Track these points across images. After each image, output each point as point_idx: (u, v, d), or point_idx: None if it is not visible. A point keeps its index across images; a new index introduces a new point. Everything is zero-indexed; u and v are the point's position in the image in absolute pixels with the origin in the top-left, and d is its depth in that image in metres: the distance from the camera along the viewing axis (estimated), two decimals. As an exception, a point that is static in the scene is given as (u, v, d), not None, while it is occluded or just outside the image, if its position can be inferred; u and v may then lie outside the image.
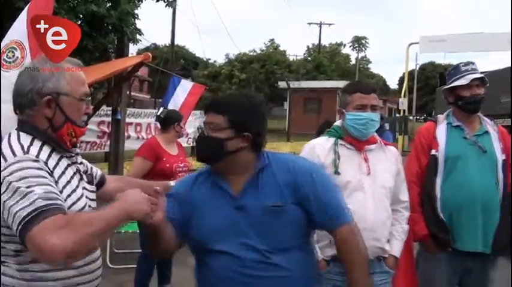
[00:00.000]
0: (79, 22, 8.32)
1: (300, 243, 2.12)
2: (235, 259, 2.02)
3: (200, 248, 2.14)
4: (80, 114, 1.97)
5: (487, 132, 3.22)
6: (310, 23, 48.81)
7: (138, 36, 9.96)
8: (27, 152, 1.77)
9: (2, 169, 1.71)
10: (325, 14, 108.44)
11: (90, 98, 2.07)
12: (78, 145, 2.14)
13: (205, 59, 51.40)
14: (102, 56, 9.93)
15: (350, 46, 39.50)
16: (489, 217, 3.09)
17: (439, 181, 3.18)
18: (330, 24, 48.61)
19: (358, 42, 37.00)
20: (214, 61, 44.50)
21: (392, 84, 62.45)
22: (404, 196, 2.94)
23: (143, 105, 30.95)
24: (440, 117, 3.38)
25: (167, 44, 31.77)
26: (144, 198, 1.82)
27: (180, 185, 2.28)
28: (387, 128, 18.82)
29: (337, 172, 2.74)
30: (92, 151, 11.27)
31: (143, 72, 39.41)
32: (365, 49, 37.62)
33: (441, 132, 3.27)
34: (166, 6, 10.48)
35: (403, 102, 30.12)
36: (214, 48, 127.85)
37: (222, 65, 38.90)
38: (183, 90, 8.50)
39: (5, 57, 4.47)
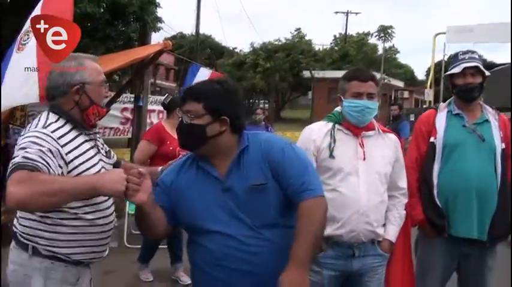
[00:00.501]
0: (101, 11, 8.51)
1: (287, 218, 2.20)
2: (229, 237, 2.12)
3: (193, 230, 2.25)
4: (101, 97, 2.46)
5: (487, 120, 3.24)
6: (337, 12, 48.23)
7: (162, 25, 10.18)
8: (46, 127, 2.24)
9: (25, 132, 2.24)
10: (352, 3, 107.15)
11: (107, 83, 2.54)
12: (101, 130, 2.47)
13: (231, 48, 51.69)
14: (126, 44, 10.15)
15: (375, 36, 38.90)
16: (485, 204, 3.13)
17: (436, 167, 3.24)
18: (356, 13, 48.32)
19: (384, 32, 36.41)
20: (240, 50, 44.63)
21: (420, 75, 61.70)
22: (403, 182, 3.01)
23: (169, 93, 31.26)
24: (442, 105, 3.42)
25: (193, 33, 31.94)
26: (121, 177, 2.01)
27: (166, 173, 2.38)
28: (412, 118, 18.72)
29: (331, 156, 2.81)
30: (116, 137, 11.50)
31: (169, 60, 39.72)
32: (391, 39, 36.99)
33: (441, 120, 3.31)
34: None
35: (428, 93, 29.84)
36: (240, 37, 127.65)
37: (247, 54, 38.87)
38: (201, 78, 8.64)
39: (22, 41, 4.72)
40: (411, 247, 3.33)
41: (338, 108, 3.01)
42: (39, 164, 2.05)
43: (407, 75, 54.03)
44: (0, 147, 6.64)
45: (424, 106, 33.05)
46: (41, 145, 2.13)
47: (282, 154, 2.18)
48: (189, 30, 27.75)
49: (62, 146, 2.21)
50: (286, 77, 32.82)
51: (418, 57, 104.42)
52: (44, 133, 2.19)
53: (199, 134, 2.16)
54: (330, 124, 2.93)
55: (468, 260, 3.27)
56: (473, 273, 3.30)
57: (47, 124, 2.25)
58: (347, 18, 46.73)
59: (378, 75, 36.30)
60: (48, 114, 2.32)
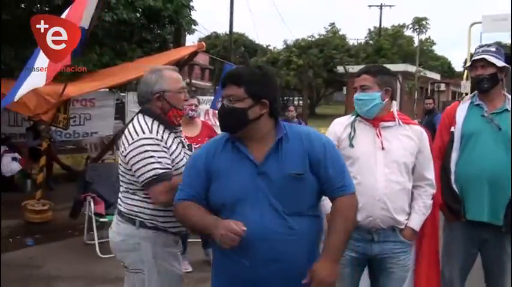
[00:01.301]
0: (137, 16, 8.84)
1: (315, 208, 2.39)
2: (258, 221, 2.22)
3: (222, 211, 2.32)
4: (180, 102, 2.91)
5: (507, 110, 3.32)
6: (370, 6, 47.67)
7: (195, 26, 10.42)
8: (151, 130, 2.75)
9: (135, 139, 2.71)
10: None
11: (186, 90, 3.03)
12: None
13: (264, 46, 51.82)
14: (162, 46, 10.50)
15: (410, 28, 38.30)
16: (497, 191, 3.24)
17: (454, 155, 3.40)
18: (390, 6, 47.62)
19: (419, 24, 35.81)
20: (274, 47, 44.76)
21: (458, 66, 60.54)
22: (429, 173, 3.09)
23: (204, 92, 31.67)
24: (467, 97, 3.56)
25: (227, 33, 32.27)
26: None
27: (196, 157, 2.48)
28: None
29: (351, 145, 3.01)
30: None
31: (204, 60, 40.19)
32: (425, 31, 36.33)
33: (462, 110, 3.45)
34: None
35: (465, 86, 29.22)
36: (274, 34, 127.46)
37: (280, 51, 38.97)
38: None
39: None
40: (439, 235, 3.47)
41: None
42: (169, 169, 2.71)
43: (444, 67, 53.13)
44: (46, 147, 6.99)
45: (461, 98, 32.51)
46: (160, 151, 2.72)
47: (324, 150, 2.35)
48: (223, 29, 28.32)
49: (165, 146, 2.77)
50: (320, 73, 32.82)
51: (456, 49, 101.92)
52: (156, 139, 2.74)
53: (240, 117, 2.29)
54: (353, 117, 3.12)
55: (487, 245, 3.40)
56: (493, 259, 3.42)
57: (151, 128, 2.77)
58: (381, 11, 46.18)
59: (413, 68, 36.03)
60: (143, 117, 2.82)
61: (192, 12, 10.28)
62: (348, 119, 3.16)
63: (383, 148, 2.98)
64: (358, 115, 3.10)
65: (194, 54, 8.45)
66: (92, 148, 10.65)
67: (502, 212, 3.26)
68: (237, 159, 2.33)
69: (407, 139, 3.04)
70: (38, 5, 8.27)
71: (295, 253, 2.28)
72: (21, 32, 7.21)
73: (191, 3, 10.09)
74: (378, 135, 3.02)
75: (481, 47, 3.47)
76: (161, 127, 2.81)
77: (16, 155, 8.90)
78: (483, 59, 3.33)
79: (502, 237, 3.34)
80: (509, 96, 3.40)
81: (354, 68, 31.37)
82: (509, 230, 3.29)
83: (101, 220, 6.19)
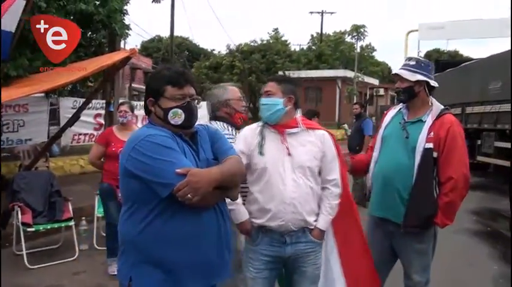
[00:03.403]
0: (70, 19, 8.66)
1: None
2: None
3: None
4: (240, 107, 3.83)
5: (421, 120, 3.52)
6: (311, 12, 48.42)
7: (139, 29, 10.32)
8: (227, 129, 3.67)
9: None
10: (327, 3, 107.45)
11: (243, 97, 3.90)
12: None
13: (209, 50, 51.79)
14: (97, 51, 10.31)
15: (348, 35, 39.27)
16: (388, 191, 3.57)
17: (375, 155, 3.77)
18: (331, 13, 48.55)
19: (357, 31, 36.80)
20: (219, 52, 44.78)
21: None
22: (333, 174, 3.27)
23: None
24: (399, 106, 3.78)
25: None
26: None
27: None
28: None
29: (261, 153, 3.16)
30: (90, 143, 11.70)
31: (147, 64, 39.76)
32: (363, 38, 37.37)
33: (389, 115, 3.76)
34: (152, 1, 10.81)
35: (402, 90, 30.28)
36: (218, 39, 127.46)
37: (223, 56, 39.03)
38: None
39: None
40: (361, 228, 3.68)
41: None
42: None
43: (384, 72, 54.63)
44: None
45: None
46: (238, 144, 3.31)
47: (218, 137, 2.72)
48: (166, 33, 28.04)
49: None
50: (262, 78, 33.03)
51: (397, 53, 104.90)
52: (231, 134, 3.65)
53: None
54: (261, 124, 3.29)
55: (394, 238, 3.67)
56: (400, 251, 3.71)
57: (226, 126, 3.69)
58: (322, 18, 46.95)
59: (352, 74, 36.91)
60: (215, 122, 3.72)
61: (134, 16, 10.19)
62: (257, 126, 3.30)
63: (289, 154, 3.15)
64: (266, 123, 3.26)
65: (127, 59, 8.35)
66: (25, 155, 10.32)
67: (394, 211, 3.54)
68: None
69: (311, 144, 3.23)
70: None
71: None
72: None
73: (125, 8, 9.96)
74: (282, 141, 3.19)
75: (405, 60, 3.68)
76: (229, 127, 3.71)
77: None
78: (397, 74, 3.60)
79: (404, 235, 3.58)
80: (436, 107, 3.55)
81: (295, 74, 31.89)
82: (408, 230, 3.51)
83: (28, 229, 6.04)
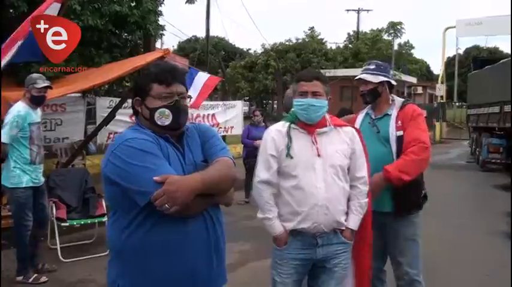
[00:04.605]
0: (104, 22, 8.90)
1: None
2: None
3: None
4: None
5: (387, 115, 3.85)
6: (348, 10, 48.16)
7: (175, 29, 10.58)
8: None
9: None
10: (363, 0, 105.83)
11: None
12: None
13: (245, 50, 52.00)
14: (133, 51, 10.55)
15: (385, 32, 38.77)
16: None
17: None
18: (368, 11, 48.28)
19: (394, 28, 36.31)
20: (254, 51, 44.91)
21: (437, 69, 61.21)
22: (360, 172, 3.21)
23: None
24: (365, 108, 4.06)
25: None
26: None
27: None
28: (424, 115, 18.70)
29: (289, 155, 3.06)
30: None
31: (184, 64, 40.15)
32: (400, 35, 36.86)
33: (358, 120, 4.02)
34: (186, 2, 10.97)
35: (440, 89, 29.75)
36: (254, 38, 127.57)
37: (258, 55, 39.12)
38: (199, 82, 9.01)
39: None
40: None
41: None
42: None
43: (422, 70, 53.73)
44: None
45: (436, 102, 32.86)
46: None
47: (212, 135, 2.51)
48: (203, 33, 28.27)
49: None
50: (298, 76, 33.00)
51: (436, 51, 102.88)
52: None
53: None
54: (287, 124, 3.17)
55: (385, 229, 3.81)
56: (391, 242, 3.87)
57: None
58: (358, 16, 46.62)
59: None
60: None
61: (170, 17, 10.40)
62: (282, 126, 3.20)
63: (319, 155, 3.08)
64: (292, 122, 3.18)
65: (161, 59, 8.51)
66: (62, 153, 10.67)
67: (382, 201, 3.67)
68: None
69: (340, 142, 3.17)
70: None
71: None
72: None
73: (159, 9, 10.19)
74: (313, 142, 3.11)
75: (365, 65, 4.07)
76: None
77: (-17, 160, 8.89)
78: (361, 78, 3.89)
79: (396, 221, 3.79)
80: (398, 101, 3.91)
81: (331, 72, 31.69)
82: (398, 215, 3.76)
83: (62, 224, 6.26)
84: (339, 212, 3.11)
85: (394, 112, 3.84)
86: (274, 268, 3.22)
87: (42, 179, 5.72)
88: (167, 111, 2.26)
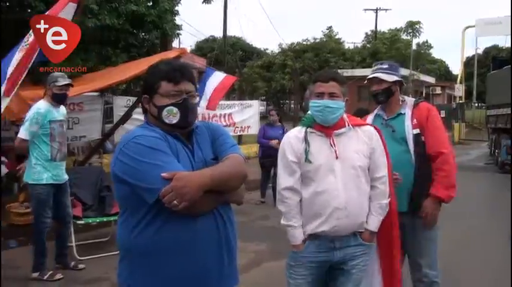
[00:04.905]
0: (121, 21, 8.95)
1: None
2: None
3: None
4: None
5: (401, 114, 3.82)
6: (366, 9, 47.86)
7: (192, 29, 10.65)
8: None
9: None
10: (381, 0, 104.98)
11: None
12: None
13: (262, 49, 51.98)
14: (150, 51, 10.61)
15: (403, 32, 38.46)
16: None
17: None
18: (386, 10, 47.92)
19: (412, 28, 35.99)
20: (271, 51, 44.87)
21: (456, 69, 60.60)
22: (380, 172, 3.13)
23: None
24: (376, 109, 4.02)
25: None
26: None
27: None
28: (443, 115, 18.57)
29: (307, 160, 3.01)
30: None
31: (202, 63, 40.30)
32: (419, 34, 36.53)
33: (368, 121, 3.82)
34: (203, 2, 11.01)
35: (458, 89, 29.46)
36: (272, 38, 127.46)
37: (276, 55, 39.09)
38: (214, 81, 9.02)
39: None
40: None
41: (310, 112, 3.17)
42: None
43: (441, 70, 53.24)
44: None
45: (455, 102, 32.51)
46: None
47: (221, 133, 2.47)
48: (221, 33, 28.22)
49: None
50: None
51: (454, 51, 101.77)
52: None
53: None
54: (304, 129, 3.11)
55: (405, 229, 3.66)
56: (410, 242, 3.76)
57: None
58: (376, 15, 46.26)
59: (407, 72, 36.15)
60: None
61: (188, 16, 10.46)
62: (299, 131, 3.14)
63: (337, 157, 3.01)
64: (309, 126, 3.11)
65: (177, 58, 8.54)
66: (79, 151, 10.76)
67: (400, 202, 3.53)
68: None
69: (359, 142, 3.09)
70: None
71: None
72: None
73: (176, 8, 10.23)
74: (332, 144, 3.04)
75: (376, 65, 3.98)
76: None
77: (3, 158, 8.99)
78: (376, 77, 3.83)
79: (414, 221, 3.72)
80: (409, 100, 3.91)
81: (349, 72, 31.55)
82: (415, 214, 3.70)
83: (78, 222, 6.30)
84: (360, 215, 3.06)
85: (407, 110, 3.82)
86: (288, 269, 3.18)
87: (65, 177, 5.75)
88: (175, 109, 2.23)
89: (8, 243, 6.79)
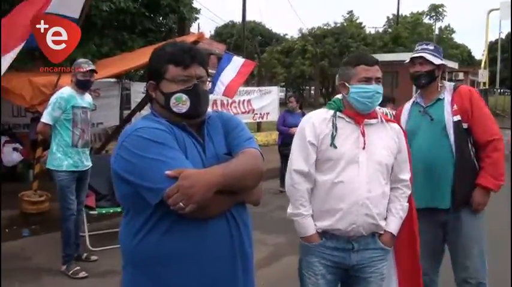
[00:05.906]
0: (137, 5, 8.72)
1: None
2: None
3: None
4: None
5: (439, 99, 3.58)
6: (388, -7, 47.04)
7: (212, 14, 10.34)
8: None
9: None
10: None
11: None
12: None
13: (282, 35, 51.54)
14: (168, 36, 10.39)
15: (426, 15, 37.74)
16: (430, 180, 3.48)
17: None
18: (409, -7, 46.86)
19: (435, 11, 35.29)
20: (291, 36, 44.44)
21: (479, 54, 59.41)
22: (406, 174, 2.92)
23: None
24: (414, 96, 3.81)
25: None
26: None
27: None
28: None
29: (333, 145, 2.72)
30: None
31: (221, 49, 40.11)
32: (442, 18, 35.83)
33: (405, 111, 3.77)
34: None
35: (482, 74, 28.74)
36: (291, 23, 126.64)
37: (295, 40, 38.67)
38: (234, 67, 8.77)
39: None
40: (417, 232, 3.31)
41: (339, 96, 2.91)
42: None
43: (463, 55, 52.23)
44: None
45: (478, 88, 31.76)
46: None
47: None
48: (240, 18, 27.68)
49: None
50: (336, 62, 32.47)
51: (477, 36, 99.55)
52: None
53: None
54: (331, 112, 2.82)
55: (446, 227, 3.59)
56: (453, 241, 3.60)
57: None
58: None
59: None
60: None
61: (206, 1, 10.20)
62: (326, 112, 2.84)
63: (364, 147, 2.74)
64: (337, 110, 2.82)
65: (195, 43, 8.33)
66: (96, 138, 10.63)
67: (441, 198, 3.49)
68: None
69: (388, 138, 2.85)
70: None
71: None
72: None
73: (193, -9, 9.98)
74: (362, 133, 2.76)
75: (420, 45, 3.70)
76: None
77: (17, 145, 8.91)
78: (421, 57, 3.57)
79: (456, 218, 3.53)
80: (448, 84, 3.66)
81: (370, 57, 31.09)
82: (457, 210, 3.50)
83: (91, 212, 6.13)
84: (379, 214, 2.76)
85: (447, 95, 3.59)
86: (305, 269, 2.87)
87: (88, 164, 5.67)
88: (184, 96, 1.97)
89: (22, 232, 6.70)
